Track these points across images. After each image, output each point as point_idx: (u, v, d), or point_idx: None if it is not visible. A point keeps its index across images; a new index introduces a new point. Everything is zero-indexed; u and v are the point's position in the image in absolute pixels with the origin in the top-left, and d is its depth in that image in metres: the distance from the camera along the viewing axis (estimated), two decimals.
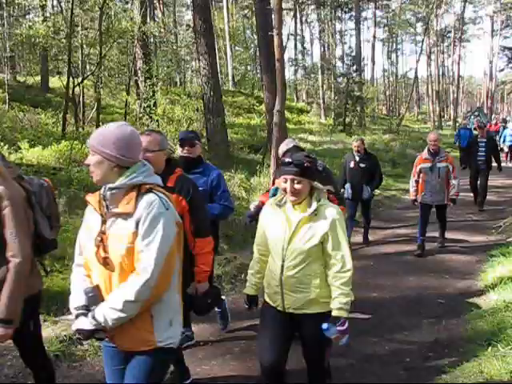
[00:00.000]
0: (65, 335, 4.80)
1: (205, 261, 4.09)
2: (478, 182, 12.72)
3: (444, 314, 5.91)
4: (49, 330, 4.89)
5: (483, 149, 12.47)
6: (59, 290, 5.74)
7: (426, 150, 8.47)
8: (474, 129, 33.95)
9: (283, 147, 5.14)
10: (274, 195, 3.76)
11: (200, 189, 4.44)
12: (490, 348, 4.70)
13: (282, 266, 3.31)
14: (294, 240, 3.27)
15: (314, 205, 3.25)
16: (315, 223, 3.25)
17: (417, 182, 8.55)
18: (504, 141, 23.12)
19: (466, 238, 9.71)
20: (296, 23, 46.12)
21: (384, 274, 7.54)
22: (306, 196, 3.31)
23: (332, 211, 3.27)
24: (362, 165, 8.92)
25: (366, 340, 5.23)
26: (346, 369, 4.62)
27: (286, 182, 3.25)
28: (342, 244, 3.26)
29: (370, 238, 9.72)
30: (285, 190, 3.27)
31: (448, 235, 9.77)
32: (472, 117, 48.19)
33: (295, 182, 3.22)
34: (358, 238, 9.62)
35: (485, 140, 12.59)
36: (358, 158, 8.99)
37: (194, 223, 4.03)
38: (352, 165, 9.00)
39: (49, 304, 5.40)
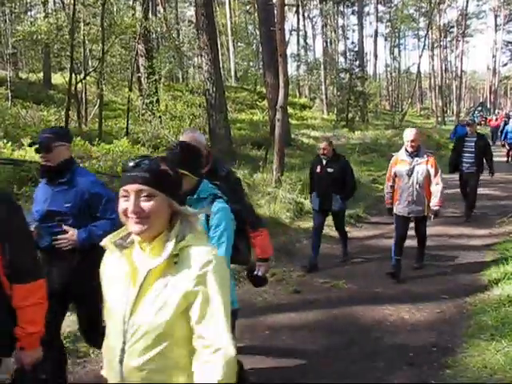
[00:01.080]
0: (69, 332, 4.80)
1: (30, 317, 2.72)
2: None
3: (447, 309, 5.91)
4: None
5: (472, 149, 10.60)
6: None
7: (402, 149, 7.01)
8: (479, 124, 33.84)
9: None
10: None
11: (66, 206, 3.59)
12: (493, 343, 4.70)
13: (123, 350, 1.97)
14: (138, 307, 1.94)
15: (171, 245, 1.92)
16: (174, 277, 1.92)
17: (392, 187, 7.22)
18: (505, 137, 21.85)
19: (469, 232, 9.70)
20: (298, 18, 46.08)
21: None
22: (161, 227, 1.97)
23: (203, 255, 1.93)
24: (329, 170, 7.50)
25: (369, 336, 5.24)
26: (350, 364, 4.62)
27: (126, 197, 1.93)
28: (216, 311, 1.89)
29: (375, 232, 9.72)
30: (125, 213, 1.93)
31: (451, 230, 9.79)
32: (476, 112, 48.22)
33: (142, 196, 1.91)
34: (362, 233, 9.61)
35: (474, 138, 10.69)
36: (324, 162, 7.58)
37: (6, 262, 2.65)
38: (318, 169, 7.62)
39: None
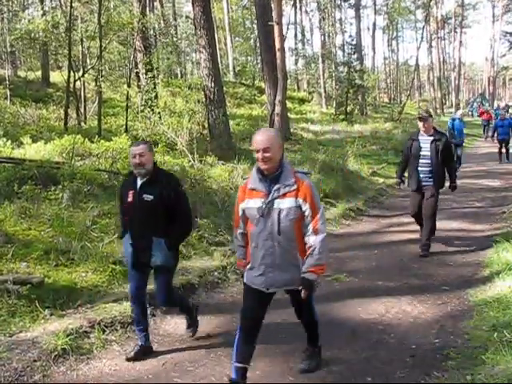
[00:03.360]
0: (72, 329, 4.82)
1: None
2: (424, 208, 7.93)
3: (449, 301, 5.92)
4: (55, 324, 4.92)
5: (427, 153, 7.65)
6: (65, 283, 5.77)
7: (254, 170, 3.97)
8: (479, 115, 32.99)
9: None
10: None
11: None
12: (495, 334, 4.70)
13: None
14: None
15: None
16: None
17: (243, 235, 4.11)
18: (499, 133, 19.42)
19: (470, 225, 9.70)
20: (296, 12, 45.98)
21: (388, 262, 7.55)
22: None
23: None
24: (147, 197, 4.59)
25: (372, 327, 5.25)
26: (352, 356, 4.63)
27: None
28: None
29: (376, 225, 9.76)
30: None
31: (451, 222, 9.79)
32: (475, 103, 48.22)
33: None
34: (362, 226, 9.62)
35: (430, 138, 7.65)
36: (139, 184, 4.68)
37: None
38: (130, 197, 4.68)
39: (55, 298, 5.43)
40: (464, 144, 17.89)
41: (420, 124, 7.83)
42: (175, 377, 4.36)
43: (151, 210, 4.60)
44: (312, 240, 3.85)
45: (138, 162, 4.59)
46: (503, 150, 19.51)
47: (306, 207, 3.83)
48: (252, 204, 3.88)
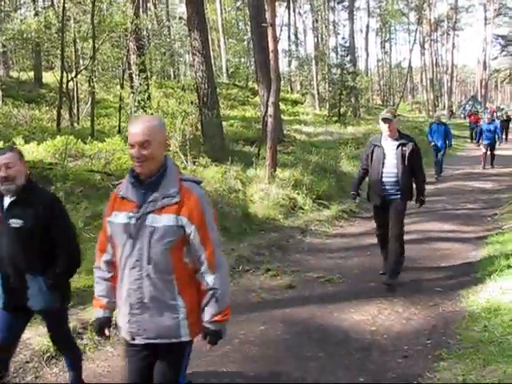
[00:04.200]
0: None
1: None
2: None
3: (441, 303, 5.95)
4: None
5: (393, 161, 6.47)
6: None
7: (126, 178, 2.93)
8: (470, 115, 32.53)
9: None
10: None
11: None
12: (487, 335, 4.74)
13: None
14: None
15: None
16: None
17: (109, 263, 3.06)
18: (486, 138, 17.80)
19: (462, 226, 9.74)
20: (289, 14, 46.00)
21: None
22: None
23: None
24: (15, 222, 3.53)
25: (364, 329, 5.27)
26: (345, 357, 4.65)
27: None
28: None
29: (368, 227, 9.77)
30: None
31: (444, 223, 9.84)
32: (467, 105, 48.40)
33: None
34: (355, 228, 9.65)
35: (396, 143, 6.48)
36: (6, 205, 3.62)
37: None
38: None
39: None
40: (448, 148, 16.40)
41: (384, 127, 6.57)
42: None
43: (22, 239, 3.49)
44: (210, 281, 2.76)
45: (5, 175, 3.42)
46: (488, 153, 17.96)
47: (191, 229, 2.73)
48: (119, 219, 2.80)
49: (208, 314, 2.81)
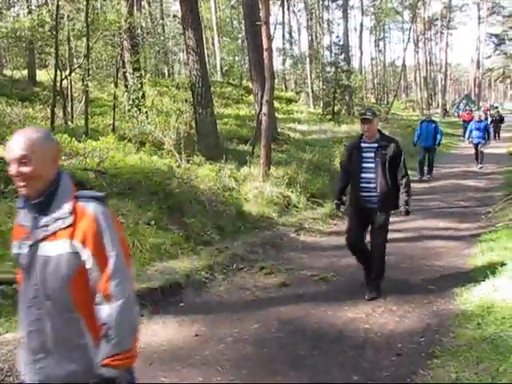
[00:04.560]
0: None
1: None
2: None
3: (435, 300, 5.97)
4: None
5: (372, 165, 5.97)
6: None
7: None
8: (460, 116, 32.24)
9: None
10: None
11: None
12: (480, 332, 4.76)
13: None
14: None
15: None
16: None
17: None
18: (475, 136, 17.48)
19: (456, 224, 9.79)
20: (283, 12, 46.02)
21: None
22: None
23: None
24: None
25: (358, 327, 5.28)
26: (339, 355, 4.66)
27: None
28: None
29: None
30: None
31: (438, 221, 9.88)
32: (461, 104, 48.50)
33: None
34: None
35: (375, 145, 5.99)
36: None
37: None
38: None
39: None
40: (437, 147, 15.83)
41: (362, 127, 6.07)
42: (162, 376, 4.36)
43: None
44: (105, 313, 2.21)
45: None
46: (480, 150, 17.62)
47: (86, 255, 2.23)
48: (14, 249, 2.39)
49: (100, 354, 2.20)
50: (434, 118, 17.19)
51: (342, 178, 6.43)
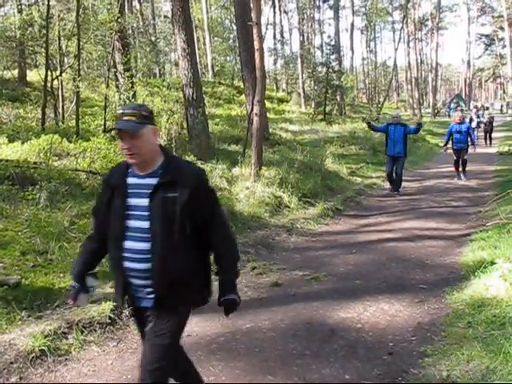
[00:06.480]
0: (49, 330, 4.77)
1: None
2: None
3: (426, 300, 5.98)
4: (33, 325, 4.87)
5: (145, 224, 2.94)
6: (43, 284, 5.71)
7: None
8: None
9: None
10: None
11: None
12: (471, 331, 4.78)
13: None
14: None
15: None
16: None
17: None
18: (456, 141, 14.91)
19: (447, 223, 9.82)
20: (275, 12, 46.06)
21: (366, 261, 7.61)
22: None
23: None
24: None
25: (349, 326, 5.29)
26: (330, 354, 4.66)
27: None
28: None
29: (353, 225, 9.83)
30: None
31: (428, 221, 9.91)
32: (452, 104, 48.71)
33: None
34: (340, 226, 9.68)
35: (154, 182, 2.93)
36: None
37: None
38: None
39: (32, 299, 5.37)
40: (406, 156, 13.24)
41: (122, 145, 2.99)
42: None
43: None
44: None
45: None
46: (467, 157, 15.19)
47: None
48: None
49: None
50: (402, 121, 14.32)
51: (90, 238, 3.35)
